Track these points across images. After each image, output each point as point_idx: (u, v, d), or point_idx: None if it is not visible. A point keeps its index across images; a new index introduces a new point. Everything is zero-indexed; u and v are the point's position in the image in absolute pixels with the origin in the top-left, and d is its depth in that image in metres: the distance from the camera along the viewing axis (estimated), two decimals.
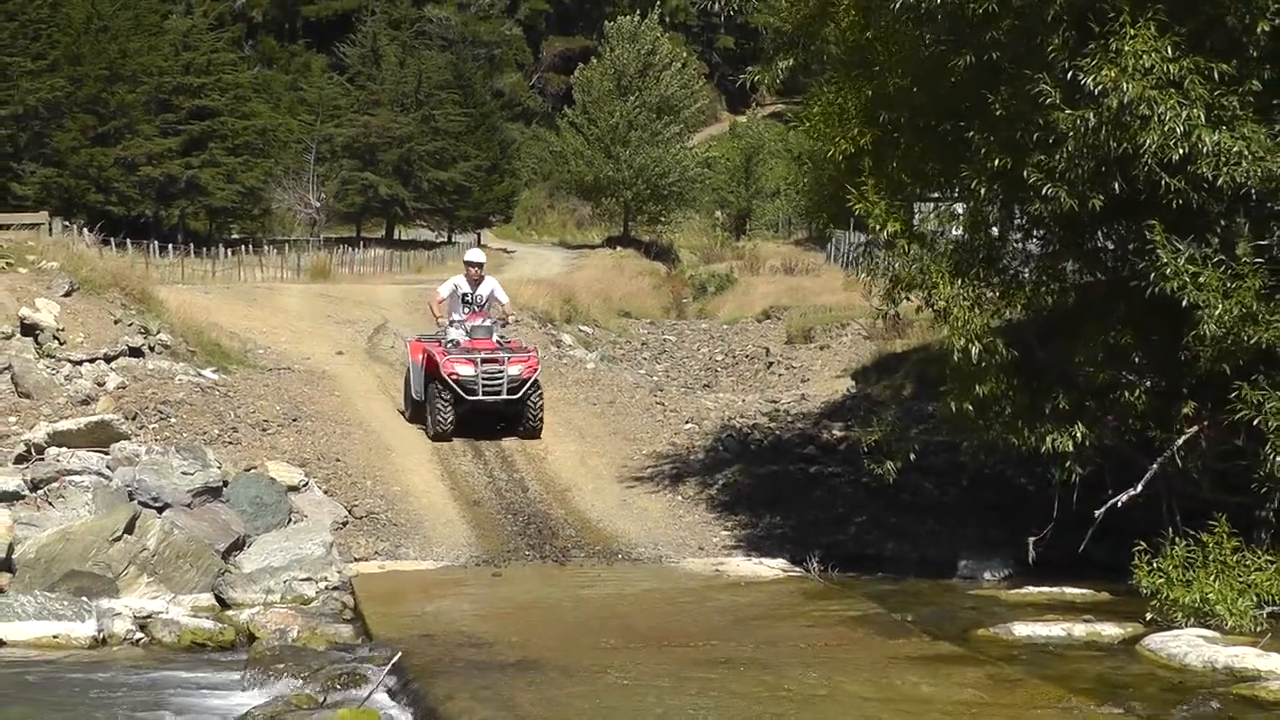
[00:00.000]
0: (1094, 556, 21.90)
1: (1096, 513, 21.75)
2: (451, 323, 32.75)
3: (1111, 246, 22.13)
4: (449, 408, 31.66)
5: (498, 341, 33.27)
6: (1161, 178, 19.97)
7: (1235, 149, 19.55)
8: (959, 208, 23.41)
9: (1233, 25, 20.26)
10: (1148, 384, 21.58)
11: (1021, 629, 19.94)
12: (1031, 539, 22.87)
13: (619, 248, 73.19)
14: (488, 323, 32.94)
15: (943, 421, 24.76)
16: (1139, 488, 21.56)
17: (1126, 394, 21.57)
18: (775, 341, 41.18)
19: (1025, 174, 21.21)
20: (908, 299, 24.29)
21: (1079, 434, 21.52)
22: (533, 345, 33.35)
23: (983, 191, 22.60)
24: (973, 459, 25.71)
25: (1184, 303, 19.83)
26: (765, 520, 27.14)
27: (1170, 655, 18.46)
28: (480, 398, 31.53)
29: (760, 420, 34.03)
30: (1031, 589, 22.40)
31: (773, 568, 24.62)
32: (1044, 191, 21.10)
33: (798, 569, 24.50)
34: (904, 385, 31.87)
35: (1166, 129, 19.57)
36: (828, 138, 24.65)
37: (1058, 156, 20.61)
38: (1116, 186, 20.76)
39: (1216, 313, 19.59)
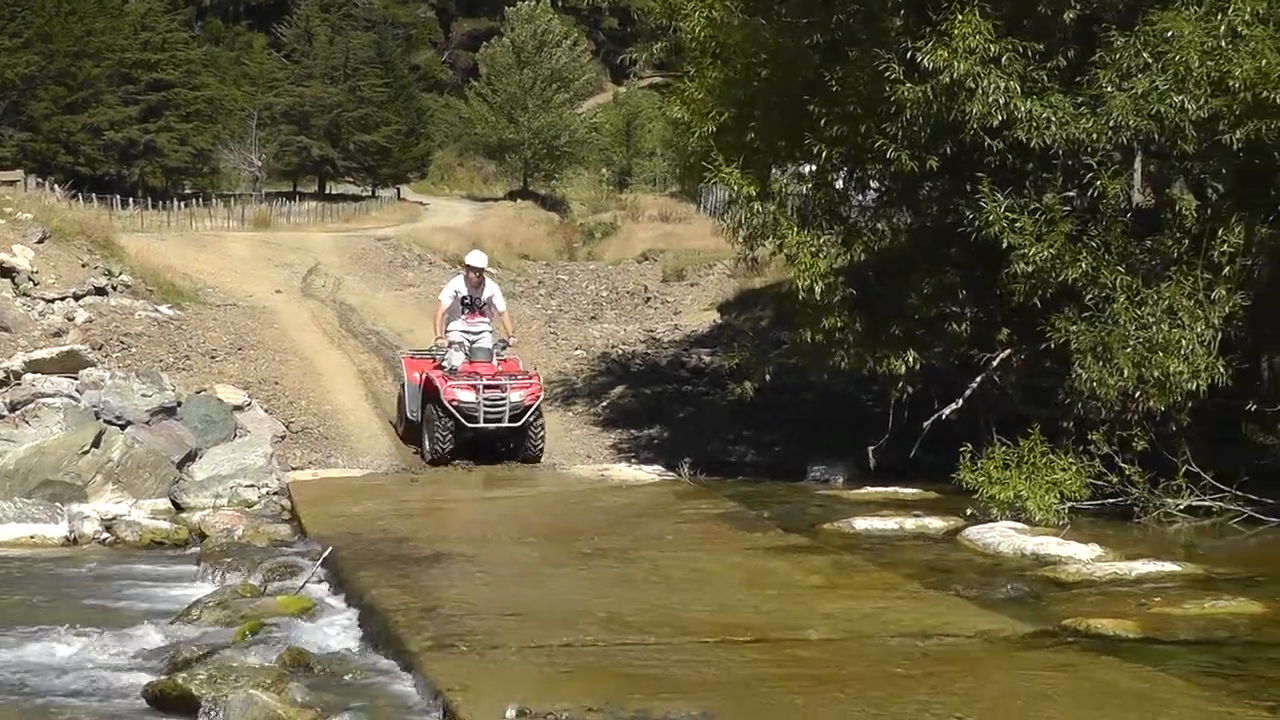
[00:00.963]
0: (923, 462, 22.07)
1: (925, 424, 21.98)
2: (451, 343, 25.55)
3: (940, 198, 22.16)
4: (448, 435, 24.90)
5: (497, 366, 25.96)
6: (985, 140, 20.13)
7: (1045, 115, 19.77)
8: (806, 169, 23.55)
9: (1042, 10, 20.43)
10: (969, 315, 21.75)
11: (861, 523, 19.98)
12: (870, 447, 23.05)
13: (519, 200, 72.95)
14: (488, 344, 25.94)
15: (794, 349, 24.82)
16: (960, 403, 21.79)
17: (952, 324, 21.88)
18: (653, 280, 41.06)
19: (865, 140, 21.42)
20: (763, 245, 24.49)
21: (910, 358, 21.77)
22: (535, 369, 26.25)
23: (825, 155, 22.81)
24: (820, 380, 25.84)
25: (1004, 245, 20.02)
26: (643, 433, 27.25)
27: (986, 544, 18.58)
28: (481, 425, 24.77)
29: (639, 348, 34.05)
30: (870, 489, 22.47)
31: (650, 473, 24.55)
32: (886, 154, 21.27)
33: (671, 474, 24.43)
34: (762, 317, 31.93)
35: (989, 100, 19.81)
36: (693, 115, 24.70)
37: (899, 124, 20.71)
38: (948, 149, 20.90)
39: (1030, 253, 19.79)
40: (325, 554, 17.44)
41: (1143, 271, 19.73)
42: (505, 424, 24.78)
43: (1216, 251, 19.40)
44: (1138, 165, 20.03)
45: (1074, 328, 19.71)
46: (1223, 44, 18.87)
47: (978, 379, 21.78)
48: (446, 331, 25.70)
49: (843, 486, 23.23)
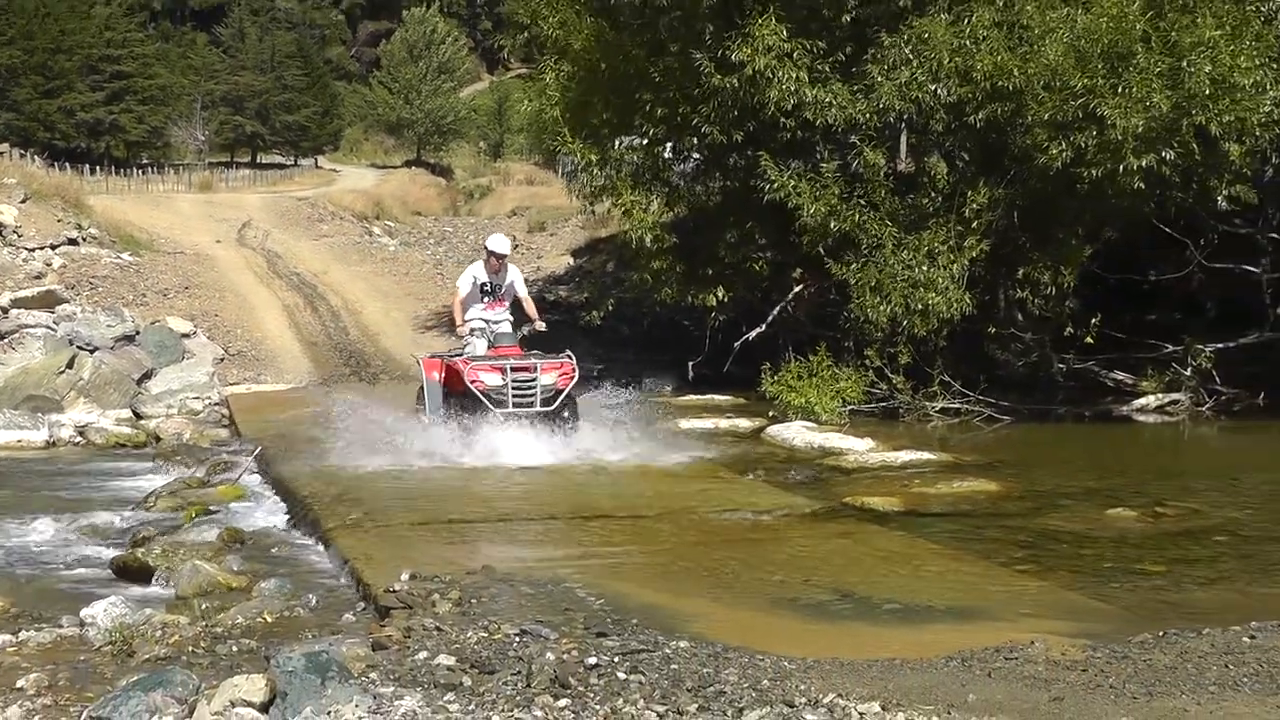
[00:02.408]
0: (734, 375, 21.88)
1: (735, 345, 21.96)
2: (472, 331, 18.67)
3: (744, 166, 22.15)
4: (475, 421, 18.41)
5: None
6: (781, 120, 20.08)
7: (827, 100, 19.73)
8: (638, 142, 23.53)
9: (826, 15, 20.42)
10: (768, 259, 21.73)
11: (685, 423, 19.90)
12: (691, 363, 23.08)
13: (413, 168, 72.36)
14: (508, 327, 19.07)
15: (631, 285, 24.91)
16: (763, 327, 21.80)
17: (754, 266, 21.84)
18: (520, 231, 40.85)
19: (684, 119, 21.39)
20: (604, 203, 24.50)
21: (720, 293, 21.86)
22: (567, 352, 19.05)
23: (652, 131, 22.81)
24: (651, 310, 25.83)
25: (790, 204, 20.04)
26: None
27: (784, 439, 18.52)
28: (511, 410, 18.02)
29: None
30: (692, 397, 22.36)
31: None
32: (701, 130, 21.26)
33: None
34: (606, 260, 31.84)
35: (784, 88, 19.74)
36: (548, 98, 24.60)
37: (711, 106, 20.66)
38: (750, 126, 20.88)
39: (811, 210, 19.82)
40: (256, 451, 17.60)
41: (906, 223, 19.72)
42: (537, 409, 17.20)
43: (966, 208, 19.54)
44: (902, 140, 20.04)
45: (852, 268, 19.76)
46: (967, 44, 18.98)
47: (776, 308, 21.83)
48: (466, 320, 18.16)
49: (670, 394, 23.13)
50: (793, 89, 19.82)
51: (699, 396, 22.40)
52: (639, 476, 15.88)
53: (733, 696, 6.61)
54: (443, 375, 17.81)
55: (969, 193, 19.56)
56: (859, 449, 17.63)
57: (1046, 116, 18.37)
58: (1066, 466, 16.63)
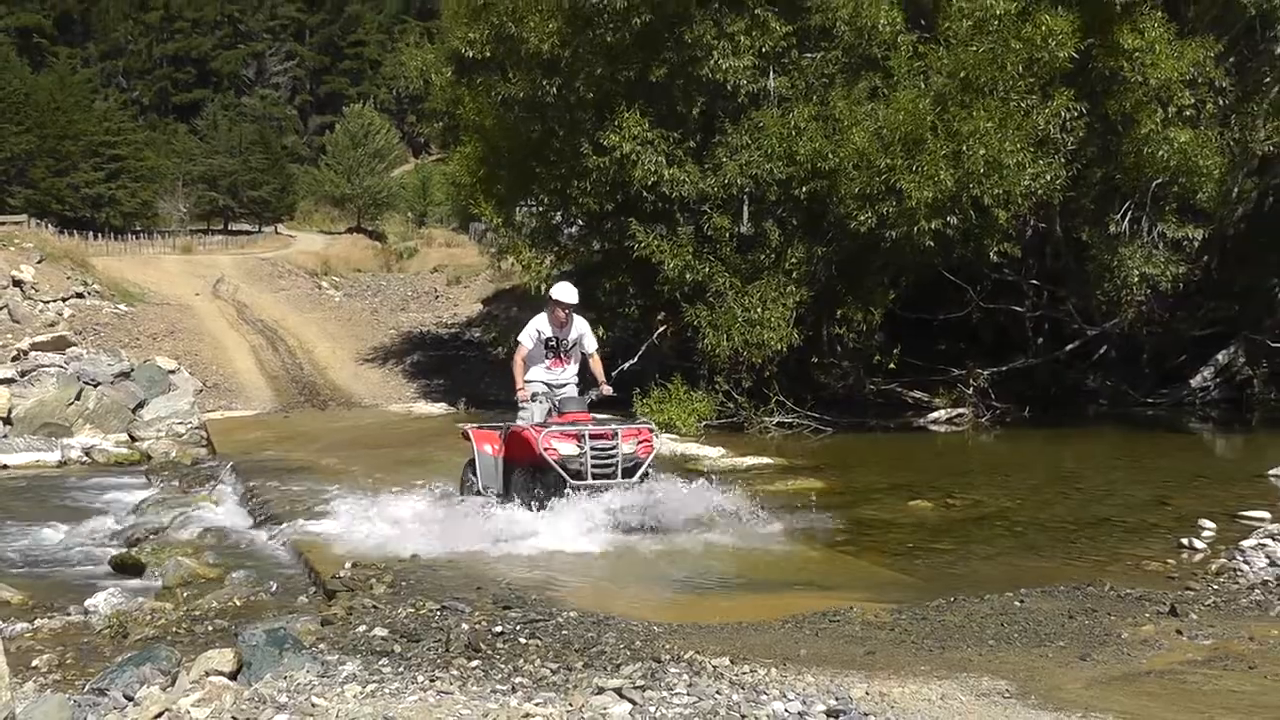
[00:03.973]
0: (613, 398, 21.69)
1: (612, 374, 21.77)
2: (534, 397, 13.61)
3: (617, 230, 22.08)
4: (546, 496, 13.48)
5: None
6: (644, 193, 20.07)
7: (681, 178, 19.72)
8: (534, 209, 23.50)
9: (680, 110, 20.44)
10: (638, 304, 21.69)
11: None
12: None
13: (354, 233, 71.72)
14: (573, 390, 14.20)
15: None
16: (635, 360, 21.69)
17: (627, 310, 21.80)
18: (440, 284, 40.53)
19: (569, 191, 21.33)
20: (508, 259, 24.40)
21: (600, 332, 21.65)
22: (648, 420, 15.17)
23: (545, 200, 22.72)
24: None
25: (654, 260, 20.04)
26: (434, 382, 26.98)
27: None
28: (588, 482, 13.16)
29: (432, 328, 33.74)
30: None
31: (438, 407, 24.26)
32: (581, 201, 21.24)
33: (453, 408, 24.13)
34: (510, 306, 31.62)
35: (646, 168, 19.70)
36: (464, 171, 24.50)
37: (590, 181, 20.64)
38: (620, 198, 20.88)
39: (670, 264, 19.83)
40: (229, 465, 17.29)
41: (746, 275, 19.74)
42: (617, 480, 12.74)
43: (789, 262, 19.58)
44: (744, 208, 20.03)
45: (703, 311, 19.76)
46: (793, 133, 19.06)
47: (645, 345, 21.77)
48: (527, 381, 13.45)
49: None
50: (653, 169, 19.78)
51: None
52: None
53: (611, 655, 6.67)
54: (501, 447, 13.12)
55: (795, 250, 19.61)
56: (712, 455, 17.63)
57: (856, 190, 18.41)
58: (877, 467, 16.80)
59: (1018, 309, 21.69)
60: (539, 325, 13.15)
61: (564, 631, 7.37)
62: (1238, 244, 21.82)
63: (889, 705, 5.75)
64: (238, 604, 9.55)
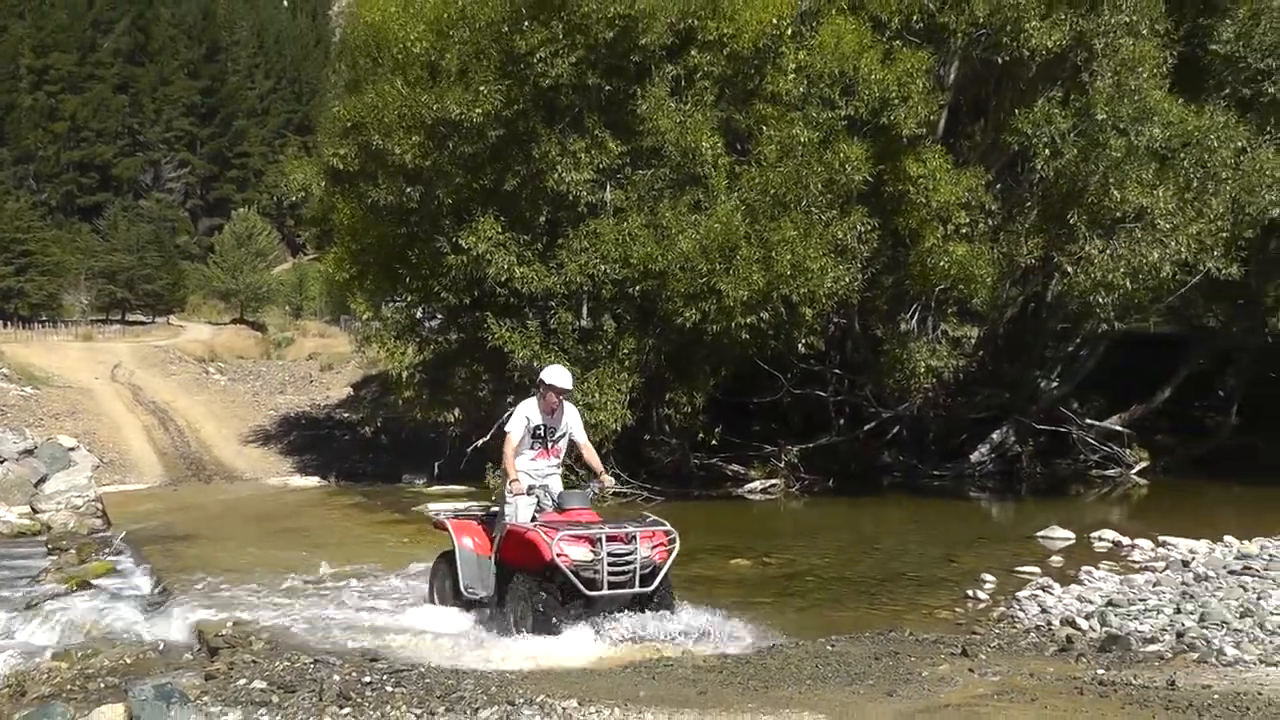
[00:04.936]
0: (468, 471, 21.36)
1: (468, 450, 21.58)
2: (530, 490, 10.69)
3: (473, 322, 21.92)
4: (556, 608, 10.19)
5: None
6: (497, 290, 20.03)
7: (530, 275, 19.71)
8: (399, 303, 23.26)
9: (528, 216, 20.47)
10: (491, 388, 21.49)
11: (434, 506, 19.53)
12: (436, 463, 22.75)
13: (238, 324, 70.55)
14: (558, 482, 11.30)
15: (393, 407, 24.51)
16: (488, 437, 21.26)
17: (479, 393, 21.58)
18: (314, 370, 39.98)
19: (430, 287, 21.17)
20: (375, 348, 24.07)
21: (456, 413, 21.62)
22: (662, 524, 10.53)
23: (408, 296, 22.49)
24: (408, 425, 25.38)
25: (506, 349, 19.95)
26: (308, 458, 26.31)
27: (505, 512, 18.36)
28: (604, 592, 10.18)
29: (307, 409, 33.08)
30: (438, 488, 22.08)
31: (312, 481, 23.82)
32: (442, 296, 21.12)
33: (325, 482, 23.73)
34: (376, 390, 31.20)
35: (499, 266, 19.67)
36: (337, 269, 24.17)
37: (449, 279, 20.53)
38: (476, 293, 20.80)
39: (520, 353, 19.77)
40: (121, 535, 16.91)
41: (585, 363, 19.67)
42: (635, 589, 10.27)
43: (623, 352, 19.63)
44: (584, 304, 20.06)
45: None
46: (626, 239, 19.18)
47: (496, 424, 21.45)
48: (517, 474, 10.71)
49: (423, 486, 22.76)
50: (505, 268, 19.73)
51: (442, 487, 22.15)
52: (399, 544, 15.76)
53: (470, 699, 6.64)
54: (484, 542, 10.70)
55: (628, 341, 19.66)
56: None
57: (682, 290, 18.61)
58: (702, 531, 16.75)
59: (822, 394, 22.03)
60: (528, 412, 10.83)
61: (426, 680, 7.28)
62: (1007, 341, 22.52)
63: None
64: (128, 662, 9.26)
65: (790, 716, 6.30)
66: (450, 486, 21.92)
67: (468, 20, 19.79)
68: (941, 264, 18.75)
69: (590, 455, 10.92)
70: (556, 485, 10.76)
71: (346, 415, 30.90)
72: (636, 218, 19.40)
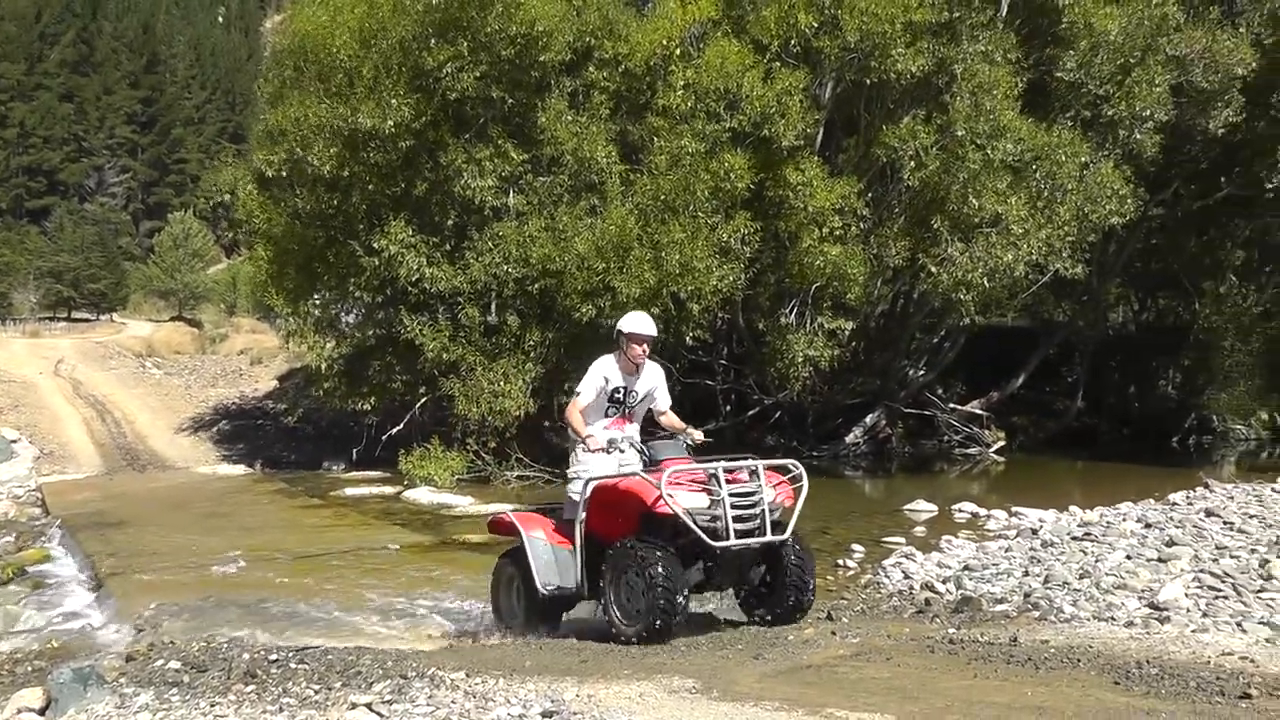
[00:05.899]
0: (383, 457, 21.17)
1: (383, 437, 21.34)
2: (611, 444, 7.90)
3: (387, 317, 21.66)
4: (669, 581, 7.16)
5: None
6: (409, 288, 19.78)
7: (438, 276, 19.55)
8: (318, 299, 22.86)
9: (436, 219, 20.26)
10: (404, 379, 21.21)
11: (350, 490, 19.38)
12: (354, 450, 22.37)
13: (176, 321, 69.14)
14: (678, 440, 8.13)
15: (314, 398, 24.09)
16: (401, 425, 21.12)
17: (394, 384, 21.27)
18: (245, 364, 39.12)
19: (347, 285, 20.85)
20: (298, 343, 23.69)
21: (372, 402, 21.29)
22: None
23: (327, 293, 22.15)
24: (329, 413, 25.00)
25: (417, 343, 19.72)
26: (236, 447, 25.75)
27: (414, 500, 18.14)
28: (731, 542, 7.30)
29: (237, 400, 32.44)
30: (356, 474, 21.66)
31: (238, 469, 23.23)
32: (357, 294, 20.83)
33: (251, 470, 23.16)
34: (300, 381, 30.66)
35: (410, 267, 19.46)
36: (260, 269, 23.75)
37: (364, 278, 20.25)
38: (389, 291, 20.52)
39: (430, 347, 19.56)
40: (59, 522, 16.29)
41: (491, 355, 19.59)
42: (768, 537, 7.54)
43: (526, 345, 19.52)
44: (491, 302, 19.91)
45: (456, 385, 19.49)
46: (527, 241, 19.09)
47: (409, 413, 21.27)
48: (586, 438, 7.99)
49: (341, 473, 22.38)
50: (415, 268, 19.56)
51: (360, 473, 21.76)
52: (317, 527, 15.65)
53: (366, 675, 6.50)
54: (583, 515, 7.93)
55: (531, 335, 19.56)
56: (463, 504, 17.55)
57: (579, 287, 18.56)
58: None
59: (710, 383, 22.10)
60: (606, 371, 8.33)
61: (329, 656, 7.09)
62: (877, 333, 22.72)
63: (596, 705, 5.70)
64: (55, 646, 9.02)
65: (663, 681, 6.25)
66: (367, 472, 21.60)
67: (385, 34, 19.57)
68: (818, 263, 18.87)
69: (672, 418, 8.61)
70: (635, 457, 8.06)
71: (272, 406, 30.35)
72: (537, 221, 19.33)
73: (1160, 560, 9.86)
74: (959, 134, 18.93)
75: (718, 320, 21.13)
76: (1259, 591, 8.66)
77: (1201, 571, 9.34)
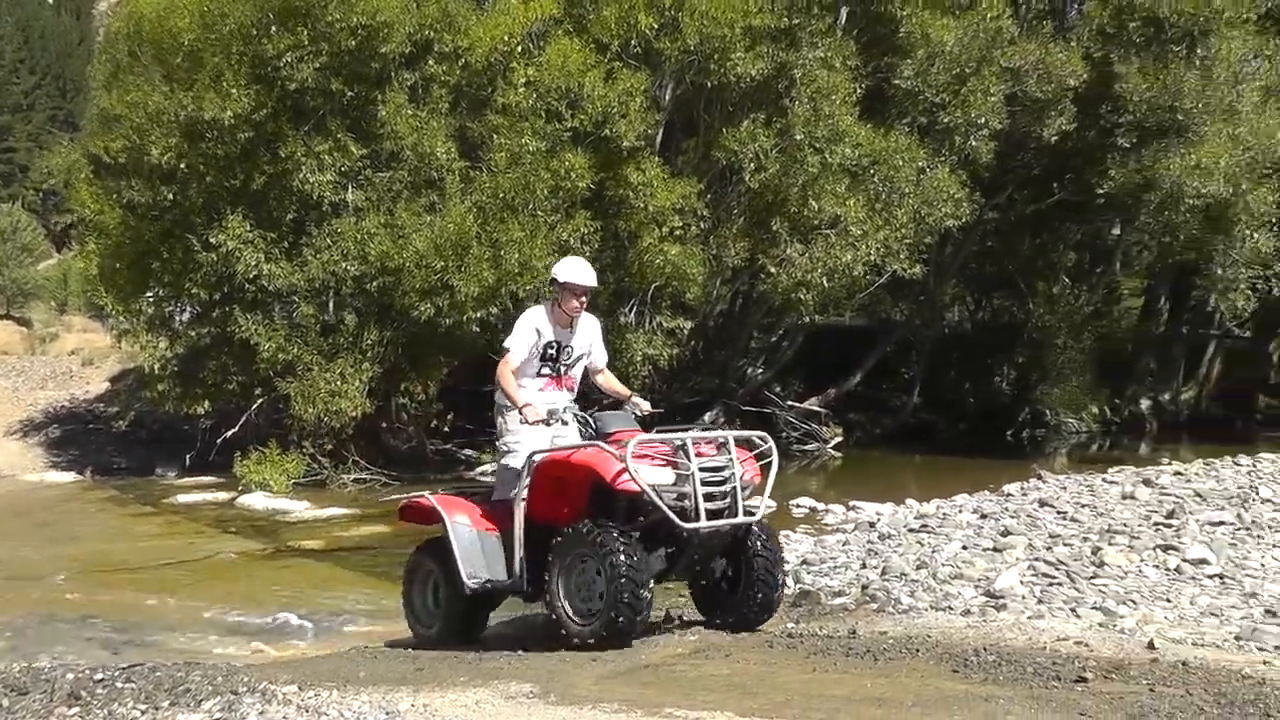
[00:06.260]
0: (218, 462, 20.44)
1: (218, 441, 20.70)
2: (551, 415, 7.04)
3: (224, 315, 21.08)
4: (639, 561, 6.47)
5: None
6: (245, 285, 19.60)
7: (276, 273, 19.43)
8: (152, 297, 22.30)
9: (276, 214, 20.01)
10: (240, 380, 20.70)
11: (184, 498, 19.06)
12: (188, 454, 21.92)
13: (4, 320, 66.59)
14: (626, 410, 7.27)
15: (147, 400, 23.47)
16: (236, 428, 20.51)
17: (229, 385, 20.87)
18: (76, 365, 37.81)
19: (183, 282, 20.44)
20: (131, 342, 23.18)
21: (206, 405, 20.95)
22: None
23: (161, 292, 21.80)
24: (162, 415, 24.25)
25: (253, 342, 19.50)
26: (67, 453, 24.90)
27: (249, 505, 17.98)
28: (701, 524, 6.53)
29: (66, 404, 31.35)
30: (189, 479, 21.06)
31: (68, 476, 22.49)
32: (193, 292, 20.50)
33: (81, 477, 22.39)
34: (133, 383, 29.77)
35: (248, 263, 19.31)
36: (89, 267, 23.17)
37: (201, 275, 19.99)
38: (227, 288, 20.19)
39: (266, 346, 19.39)
40: None
41: (329, 354, 19.41)
42: (738, 519, 6.87)
43: (364, 344, 19.42)
44: (329, 299, 19.69)
45: (293, 385, 19.28)
46: (366, 237, 19.08)
47: (245, 415, 20.69)
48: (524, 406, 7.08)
49: (175, 479, 21.86)
50: (254, 264, 19.33)
51: (193, 479, 21.21)
52: (150, 535, 15.49)
53: (196, 691, 6.36)
54: (525, 494, 7.07)
55: (369, 334, 19.46)
56: (299, 509, 17.51)
57: (417, 285, 18.57)
58: None
59: None
60: (537, 322, 7.45)
61: (157, 674, 6.90)
62: (716, 332, 23.18)
63: (432, 713, 5.71)
64: None
65: (500, 687, 6.28)
66: (201, 478, 21.13)
67: (225, 19, 19.31)
68: (658, 263, 19.20)
69: (611, 380, 7.84)
70: (573, 422, 7.24)
71: (104, 409, 29.48)
72: (375, 217, 19.28)
73: (996, 550, 10.07)
74: (798, 138, 19.49)
75: None
76: (1091, 578, 8.94)
77: (1036, 560, 9.51)
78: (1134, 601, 8.20)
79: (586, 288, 7.45)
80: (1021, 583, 8.78)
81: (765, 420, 23.78)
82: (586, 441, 6.97)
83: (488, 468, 21.31)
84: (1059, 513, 11.95)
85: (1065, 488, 13.82)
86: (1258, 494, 12.44)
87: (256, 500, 18.24)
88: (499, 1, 19.91)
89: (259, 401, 20.73)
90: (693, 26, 18.82)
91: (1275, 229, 23.89)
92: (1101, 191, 23.42)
